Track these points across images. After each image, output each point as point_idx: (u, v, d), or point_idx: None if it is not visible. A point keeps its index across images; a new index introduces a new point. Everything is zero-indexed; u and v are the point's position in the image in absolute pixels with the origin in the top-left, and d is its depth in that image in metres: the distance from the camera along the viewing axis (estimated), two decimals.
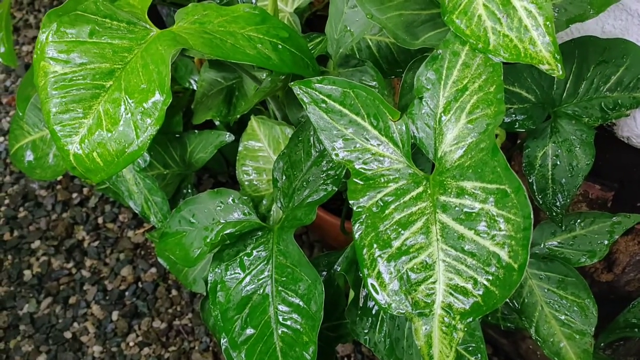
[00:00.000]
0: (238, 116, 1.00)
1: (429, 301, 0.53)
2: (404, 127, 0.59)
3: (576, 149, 0.72)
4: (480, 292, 0.50)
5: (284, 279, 0.76)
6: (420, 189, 0.57)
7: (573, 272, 0.79)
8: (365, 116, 0.61)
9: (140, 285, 1.46)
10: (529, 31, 0.56)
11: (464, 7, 0.58)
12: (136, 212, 1.04)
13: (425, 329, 0.52)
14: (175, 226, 0.87)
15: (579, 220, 0.79)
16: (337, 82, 0.62)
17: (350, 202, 0.59)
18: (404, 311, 0.53)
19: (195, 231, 0.85)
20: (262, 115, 0.98)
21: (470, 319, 0.50)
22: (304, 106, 0.63)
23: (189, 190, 1.16)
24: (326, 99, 0.62)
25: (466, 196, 0.54)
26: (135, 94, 0.63)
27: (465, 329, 0.50)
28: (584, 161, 0.71)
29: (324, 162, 0.77)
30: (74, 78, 0.65)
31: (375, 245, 0.56)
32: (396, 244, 0.55)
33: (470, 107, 0.56)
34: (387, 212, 0.57)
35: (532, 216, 0.48)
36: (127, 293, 1.45)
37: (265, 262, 0.79)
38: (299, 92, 0.64)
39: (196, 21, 0.67)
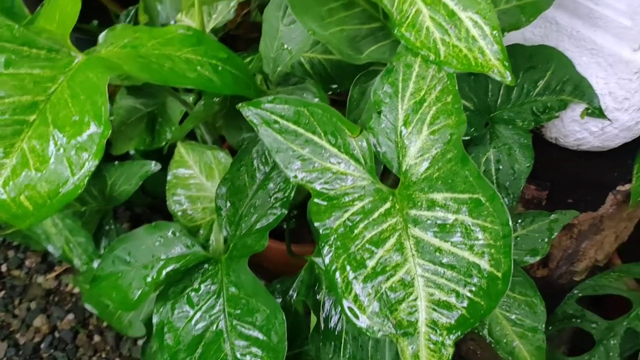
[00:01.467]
0: (166, 144, 0.95)
1: (413, 319, 0.51)
2: (364, 143, 0.57)
3: (516, 152, 0.74)
4: (465, 305, 0.49)
5: (239, 311, 0.72)
6: (388, 204, 0.55)
7: (519, 272, 0.81)
8: (322, 134, 0.59)
9: (57, 334, 1.33)
10: (477, 41, 0.57)
11: (412, 19, 0.58)
12: (55, 255, 0.95)
13: (412, 348, 0.51)
14: (109, 267, 0.80)
15: (519, 221, 0.82)
16: (289, 101, 0.59)
17: (316, 224, 0.57)
18: (387, 332, 0.51)
19: (132, 271, 0.78)
20: (190, 141, 0.93)
21: (459, 333, 0.49)
22: (255, 128, 0.60)
23: (112, 227, 1.07)
24: (279, 119, 0.60)
25: (437, 208, 0.53)
26: (67, 127, 0.57)
27: (454, 344, 0.49)
28: (524, 163, 0.74)
29: (271, 184, 0.74)
30: None
31: (348, 267, 0.54)
32: (370, 263, 0.53)
33: (430, 118, 0.55)
34: (356, 231, 0.55)
35: (510, 223, 0.48)
36: (42, 345, 1.32)
37: (216, 295, 0.74)
38: (248, 114, 0.60)
39: (127, 45, 0.62)
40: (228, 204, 0.77)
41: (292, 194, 0.73)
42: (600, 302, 1.05)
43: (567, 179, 0.84)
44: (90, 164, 0.56)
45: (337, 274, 0.54)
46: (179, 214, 0.93)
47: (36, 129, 0.58)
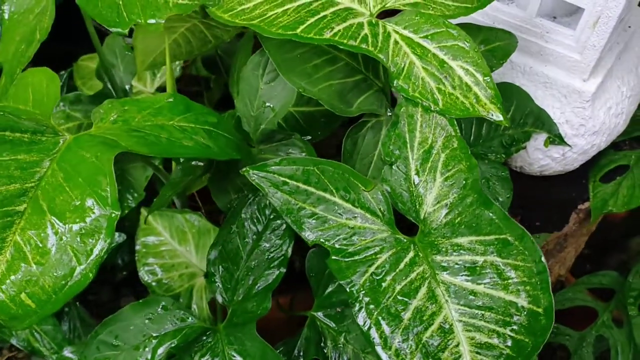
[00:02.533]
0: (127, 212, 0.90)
1: None
2: (379, 195, 0.58)
3: (495, 185, 0.78)
4: (509, 344, 0.51)
5: None
6: (412, 253, 0.56)
7: None
8: (334, 191, 0.58)
9: None
10: (470, 88, 0.59)
11: (407, 71, 0.60)
12: (20, 347, 0.86)
13: None
14: (93, 354, 0.74)
15: None
16: (297, 161, 0.59)
17: (342, 282, 0.56)
18: None
19: (122, 354, 0.73)
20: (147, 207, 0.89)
21: None
22: (263, 192, 0.59)
23: (70, 309, 1.00)
24: (287, 180, 0.59)
25: (463, 252, 0.54)
26: (67, 213, 0.53)
27: None
28: (505, 195, 0.77)
29: (265, 244, 0.72)
30: None
31: (383, 323, 0.54)
32: (406, 315, 0.53)
33: (441, 165, 0.57)
34: (384, 285, 0.55)
35: (543, 259, 0.50)
36: None
37: None
38: (254, 178, 0.59)
39: (118, 119, 0.59)
40: (221, 269, 0.74)
41: (290, 251, 0.71)
42: (564, 314, 1.11)
43: (535, 204, 0.89)
44: (99, 249, 0.52)
45: (373, 330, 0.54)
46: (154, 284, 0.88)
47: (29, 219, 0.53)
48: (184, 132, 0.61)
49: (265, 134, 0.73)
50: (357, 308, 0.55)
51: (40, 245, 0.52)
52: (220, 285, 0.74)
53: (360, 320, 0.54)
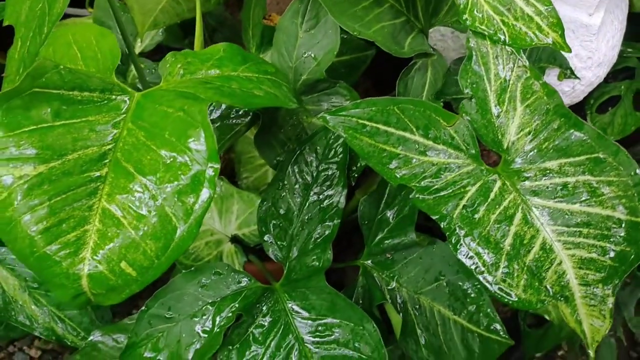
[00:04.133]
0: None
1: (564, 282, 0.54)
2: (462, 129, 0.58)
3: None
4: (611, 255, 0.53)
5: (312, 336, 0.68)
6: (499, 183, 0.57)
7: None
8: (414, 129, 0.58)
9: None
10: (532, 18, 0.61)
11: (472, 5, 0.60)
12: (42, 337, 0.80)
13: (572, 309, 0.53)
14: (144, 330, 0.70)
15: None
16: (377, 102, 0.58)
17: (434, 217, 0.57)
18: (544, 301, 0.53)
19: (177, 326, 0.70)
20: None
21: (615, 282, 0.53)
22: (343, 136, 0.57)
23: None
24: (367, 122, 0.58)
25: (552, 175, 0.56)
26: (158, 173, 0.49)
27: (614, 293, 0.52)
28: None
29: (316, 196, 0.71)
30: (54, 177, 0.48)
31: (484, 252, 0.55)
32: (507, 241, 0.55)
33: (520, 95, 0.58)
34: (478, 216, 0.56)
35: (639, 171, 0.53)
36: None
37: (283, 326, 0.69)
38: (332, 123, 0.58)
39: (185, 73, 0.55)
40: (273, 227, 0.72)
41: (344, 201, 0.71)
42: None
43: None
44: (200, 205, 0.49)
45: (475, 260, 0.55)
46: (180, 256, 0.85)
47: (114, 184, 0.49)
48: (252, 82, 0.58)
49: (308, 84, 0.71)
50: (454, 240, 0.56)
51: (134, 208, 0.49)
52: (274, 243, 0.72)
53: (461, 253, 0.55)
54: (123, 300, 0.50)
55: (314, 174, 0.71)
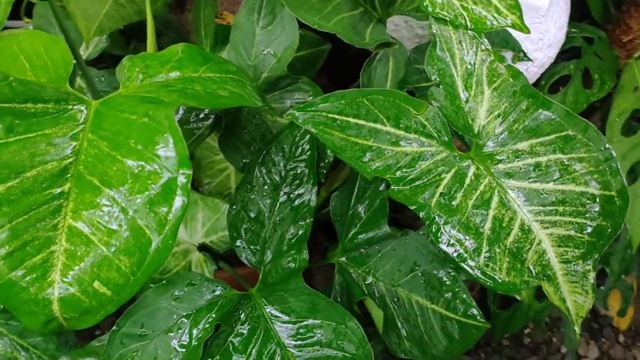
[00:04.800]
0: None
1: (545, 262, 0.54)
2: (433, 117, 0.58)
3: None
4: (589, 231, 0.54)
5: (294, 339, 0.67)
6: (473, 168, 0.57)
7: None
8: (385, 120, 0.57)
9: None
10: (490, 2, 0.61)
11: None
12: None
13: (555, 287, 0.54)
14: (117, 350, 0.67)
15: None
16: (346, 94, 0.56)
17: (412, 207, 0.56)
18: (528, 281, 0.54)
19: (152, 343, 0.67)
20: None
21: (595, 256, 0.53)
22: (313, 133, 0.56)
23: None
24: (337, 116, 0.57)
25: (524, 156, 0.56)
26: (126, 184, 0.46)
27: (594, 268, 0.53)
28: None
29: (286, 196, 0.69)
30: (13, 197, 0.45)
31: (465, 238, 0.54)
32: (487, 226, 0.55)
33: (486, 78, 0.58)
34: (456, 202, 0.56)
35: (608, 145, 0.54)
36: None
37: (263, 332, 0.67)
38: (301, 120, 0.56)
39: (145, 77, 0.52)
40: (244, 231, 0.70)
41: (315, 198, 0.69)
42: None
43: None
44: (174, 214, 0.46)
45: (457, 247, 0.54)
46: None
47: (79, 199, 0.46)
48: (215, 82, 0.55)
49: (269, 82, 0.69)
50: (434, 229, 0.55)
51: (104, 224, 0.46)
52: (247, 248, 0.70)
53: (442, 242, 0.55)
54: (98, 322, 0.47)
55: (283, 174, 0.70)
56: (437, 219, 0.55)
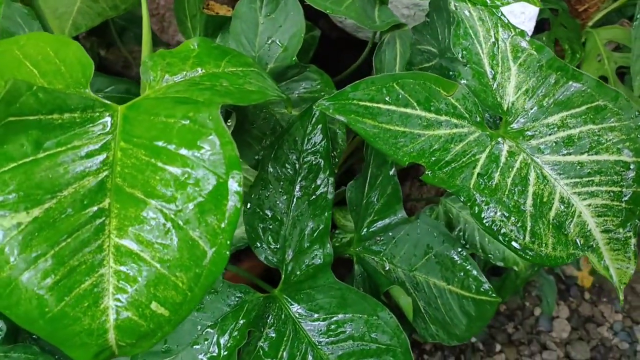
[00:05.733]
0: None
1: (587, 233, 0.55)
2: (463, 96, 0.56)
3: None
4: (626, 198, 0.55)
5: (326, 337, 0.65)
6: (506, 146, 0.57)
7: None
8: (416, 104, 0.56)
9: None
10: None
11: None
12: None
13: (598, 257, 0.54)
14: None
15: None
16: (376, 80, 0.54)
17: (451, 190, 0.55)
18: (574, 254, 0.54)
19: (177, 358, 0.63)
20: None
21: (634, 222, 0.54)
22: (346, 122, 0.54)
23: None
24: (368, 103, 0.54)
25: (555, 129, 0.56)
26: (173, 193, 0.43)
27: (635, 234, 0.54)
28: None
29: (302, 190, 0.67)
30: (52, 220, 0.40)
31: (508, 217, 0.54)
32: (528, 202, 0.54)
33: (511, 54, 0.57)
34: (494, 182, 0.55)
35: (639, 113, 0.54)
36: None
37: (293, 333, 0.65)
38: (331, 110, 0.54)
39: (170, 75, 0.48)
40: (262, 230, 0.66)
41: (332, 189, 0.67)
42: None
43: None
44: (227, 222, 0.43)
45: (501, 227, 0.54)
46: None
47: (122, 214, 0.42)
48: (239, 77, 0.52)
49: (276, 72, 0.65)
50: (477, 211, 0.54)
51: (153, 238, 0.42)
52: (267, 248, 0.67)
53: (486, 222, 0.54)
54: (153, 346, 0.44)
55: (297, 167, 0.67)
56: (478, 200, 0.55)
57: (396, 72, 0.59)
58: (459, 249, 0.76)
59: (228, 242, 0.43)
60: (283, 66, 0.65)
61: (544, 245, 0.53)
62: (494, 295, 0.77)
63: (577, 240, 0.54)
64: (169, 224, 0.42)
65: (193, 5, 0.73)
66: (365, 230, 0.74)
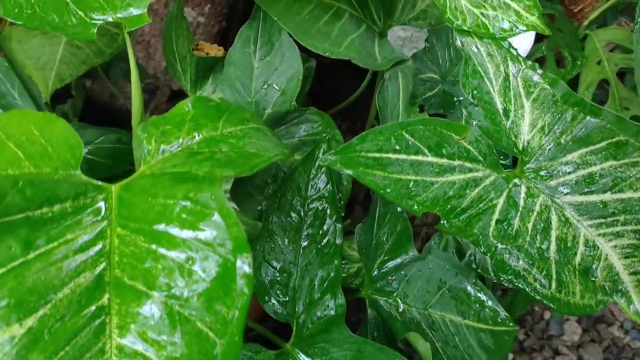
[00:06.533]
0: None
1: (615, 276, 0.52)
2: (475, 139, 0.53)
3: None
4: None
5: None
6: (524, 188, 0.54)
7: None
8: (427, 150, 0.53)
9: None
10: (509, 5, 0.57)
11: (450, 3, 0.55)
12: None
13: (627, 301, 0.51)
14: None
15: None
16: (383, 130, 0.51)
17: (468, 239, 0.52)
18: (604, 301, 0.51)
19: None
20: None
21: None
22: (354, 175, 0.50)
23: None
24: (376, 154, 0.51)
25: (575, 167, 0.53)
26: (178, 282, 0.39)
27: None
28: None
29: (309, 238, 0.63)
30: (48, 328, 0.37)
31: (532, 266, 0.51)
32: (552, 248, 0.52)
33: (523, 90, 0.54)
34: (514, 228, 0.52)
35: None
36: None
37: None
38: (338, 165, 0.50)
39: (165, 148, 0.45)
40: (269, 285, 0.63)
41: (341, 236, 0.64)
42: None
43: None
44: (236, 309, 0.40)
45: (525, 277, 0.51)
46: None
47: (122, 311, 0.39)
48: (239, 138, 0.49)
49: (274, 118, 0.62)
50: (498, 260, 0.51)
51: (157, 334, 0.39)
52: (276, 302, 0.63)
53: (508, 273, 0.51)
54: None
55: (302, 214, 0.64)
56: (498, 249, 0.52)
57: (404, 120, 0.56)
58: (473, 280, 0.73)
59: (239, 330, 0.40)
60: (282, 111, 0.61)
61: (571, 294, 0.51)
62: (511, 324, 0.74)
63: (605, 286, 0.51)
64: (173, 317, 0.39)
65: (182, 46, 0.69)
66: (376, 271, 0.70)
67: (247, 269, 0.40)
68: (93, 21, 0.49)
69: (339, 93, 0.83)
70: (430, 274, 0.72)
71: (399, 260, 0.70)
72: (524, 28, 0.57)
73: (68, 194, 0.39)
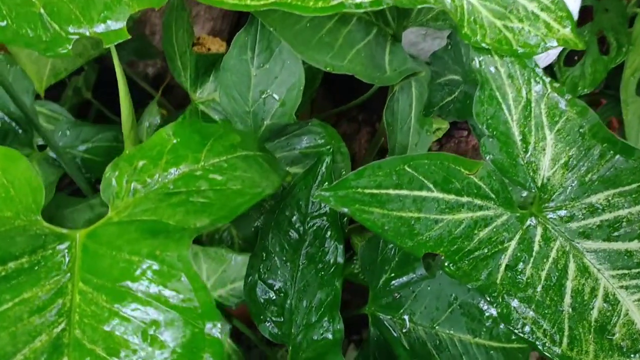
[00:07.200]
0: None
1: (635, 334, 0.47)
2: (487, 175, 0.48)
3: None
4: None
5: None
6: (540, 229, 0.48)
7: None
8: (432, 185, 0.47)
9: None
10: (538, 16, 0.50)
11: (467, 15, 0.48)
12: None
13: None
14: None
15: None
16: (382, 165, 0.46)
17: (472, 286, 0.47)
18: None
19: None
20: None
21: None
22: (349, 212, 0.46)
23: None
24: (375, 191, 0.46)
25: (600, 210, 0.47)
26: (140, 349, 0.36)
27: None
28: None
29: (308, 259, 0.60)
30: None
31: (543, 319, 0.46)
32: (566, 301, 0.46)
33: (546, 119, 0.48)
34: (525, 277, 0.47)
35: None
36: None
37: None
38: (332, 202, 0.46)
39: (136, 189, 0.41)
40: (264, 304, 0.60)
41: (342, 257, 0.60)
42: None
43: None
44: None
45: (534, 331, 0.46)
46: None
47: None
48: (222, 172, 0.44)
49: (274, 130, 0.57)
50: (504, 311, 0.47)
51: None
52: (271, 322, 0.61)
53: (516, 326, 0.47)
54: None
55: (301, 233, 0.60)
56: (506, 298, 0.47)
57: (407, 155, 0.51)
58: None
59: None
60: (281, 123, 0.56)
61: (584, 352, 0.46)
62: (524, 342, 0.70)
63: (623, 344, 0.46)
64: None
65: (182, 40, 0.64)
66: (380, 289, 0.66)
67: (215, 332, 0.36)
68: (69, 36, 0.44)
69: (353, 87, 0.78)
70: (440, 290, 0.68)
71: (405, 279, 0.66)
72: (555, 43, 0.50)
73: (24, 250, 0.36)
